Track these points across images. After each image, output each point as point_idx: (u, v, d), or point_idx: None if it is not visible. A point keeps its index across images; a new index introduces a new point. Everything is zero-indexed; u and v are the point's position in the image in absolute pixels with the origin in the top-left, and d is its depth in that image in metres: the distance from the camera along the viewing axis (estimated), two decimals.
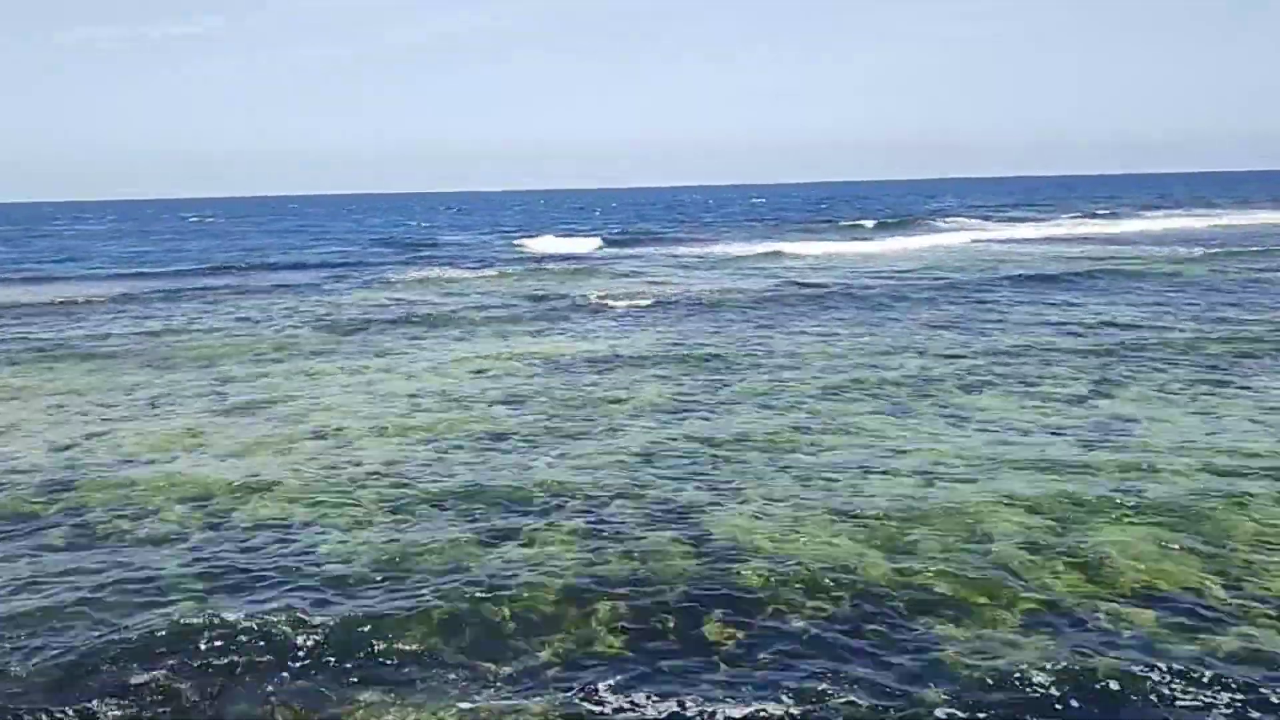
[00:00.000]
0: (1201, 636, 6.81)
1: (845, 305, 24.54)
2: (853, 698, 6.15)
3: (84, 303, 28.37)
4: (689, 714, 6.06)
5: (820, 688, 6.28)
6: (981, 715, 5.98)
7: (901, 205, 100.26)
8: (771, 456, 11.28)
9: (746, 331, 20.70)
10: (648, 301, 25.76)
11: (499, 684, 6.46)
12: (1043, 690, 6.20)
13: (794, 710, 6.05)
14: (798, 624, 7.18)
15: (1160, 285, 26.95)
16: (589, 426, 12.83)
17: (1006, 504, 9.46)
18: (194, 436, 12.78)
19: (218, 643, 7.03)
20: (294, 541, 9.05)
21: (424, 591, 7.86)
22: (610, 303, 25.68)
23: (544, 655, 6.82)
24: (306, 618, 7.40)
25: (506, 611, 7.46)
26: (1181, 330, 19.09)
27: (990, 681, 6.31)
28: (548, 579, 8.00)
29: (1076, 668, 6.42)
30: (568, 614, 7.41)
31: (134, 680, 6.55)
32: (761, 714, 6.02)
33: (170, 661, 6.78)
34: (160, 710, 6.27)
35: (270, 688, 6.46)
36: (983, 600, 7.45)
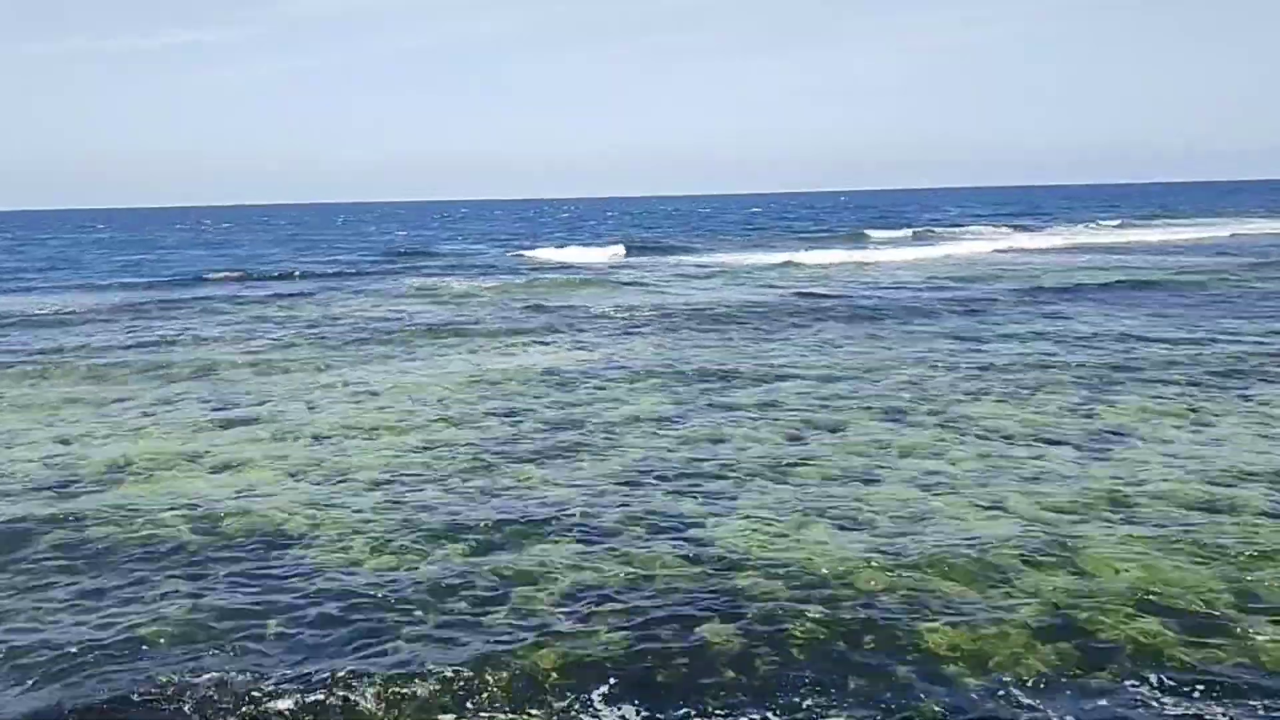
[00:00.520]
0: (1200, 645, 6.82)
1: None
2: (851, 707, 6.15)
3: (78, 312, 28.27)
4: None
5: (819, 697, 6.27)
6: None
7: (905, 214, 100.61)
8: (770, 465, 11.27)
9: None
10: (654, 312, 25.67)
11: (495, 694, 6.45)
12: (1041, 699, 6.21)
13: (789, 716, 6.05)
14: (796, 632, 7.17)
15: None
16: (587, 436, 12.82)
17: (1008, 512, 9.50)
18: (189, 447, 12.75)
19: (212, 652, 7.04)
20: (289, 551, 9.04)
21: (419, 600, 7.86)
22: (615, 313, 25.62)
23: (540, 664, 6.81)
24: (302, 624, 7.40)
25: (502, 621, 7.46)
26: None
27: (989, 690, 6.32)
28: (544, 588, 8.01)
29: (1074, 677, 6.43)
30: (564, 623, 7.40)
31: (126, 689, 6.55)
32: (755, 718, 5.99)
33: (164, 669, 6.78)
34: (154, 711, 6.28)
35: (264, 695, 6.46)
36: (981, 609, 7.46)
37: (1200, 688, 6.30)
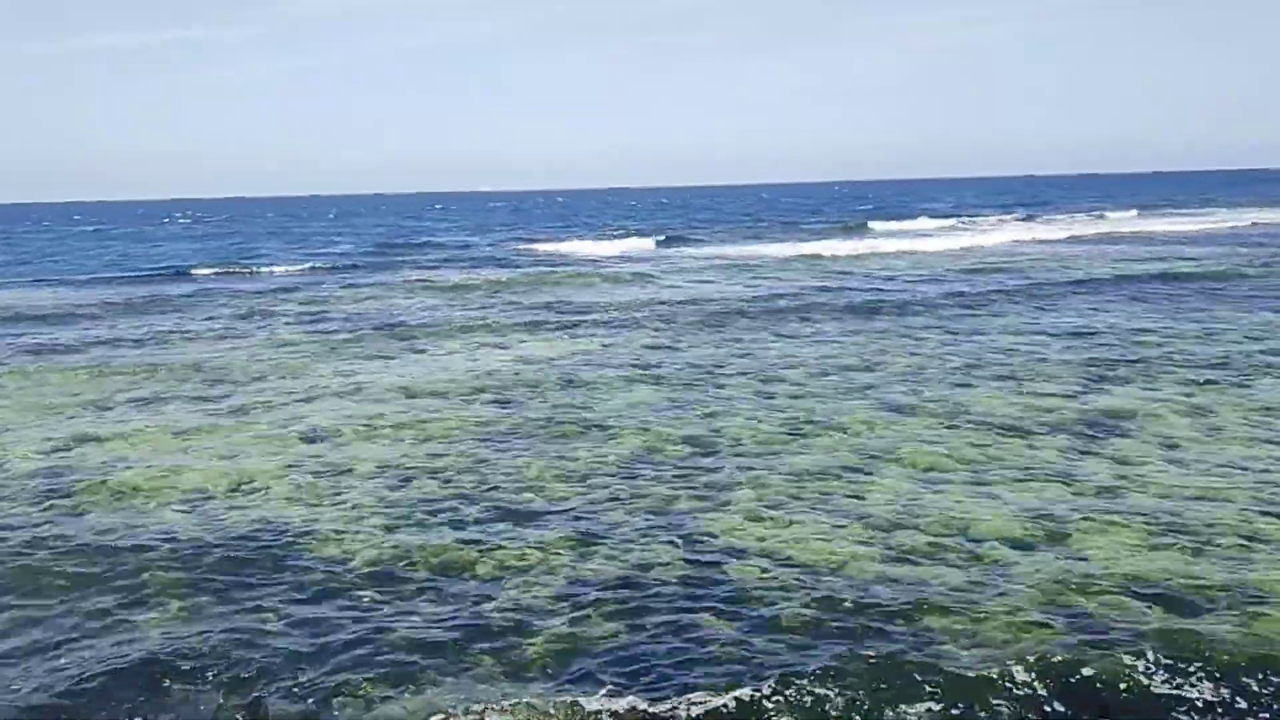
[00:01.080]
0: (1193, 633, 6.85)
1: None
2: (847, 697, 6.18)
3: (73, 307, 28.23)
4: (683, 714, 6.06)
5: (815, 688, 6.30)
6: (975, 712, 6.01)
7: (902, 204, 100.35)
8: (765, 458, 11.29)
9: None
10: (655, 305, 25.60)
11: (492, 682, 6.47)
12: (1036, 687, 6.23)
13: (788, 710, 6.07)
14: (793, 622, 7.19)
15: None
16: (585, 428, 12.81)
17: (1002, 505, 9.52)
18: (187, 439, 12.74)
19: (210, 644, 7.03)
20: (287, 543, 9.04)
21: (416, 591, 7.89)
22: (614, 306, 25.55)
23: (537, 654, 6.83)
24: (299, 618, 7.42)
25: (499, 610, 7.48)
26: None
27: (984, 678, 6.35)
28: (541, 578, 8.03)
29: (1070, 665, 6.46)
30: (561, 612, 7.42)
31: (125, 682, 6.56)
32: (756, 714, 6.04)
33: (162, 663, 6.78)
34: (151, 710, 6.26)
35: (261, 687, 6.47)
36: (977, 597, 7.48)
37: (1194, 673, 6.33)
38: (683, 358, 17.73)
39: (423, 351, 19.45)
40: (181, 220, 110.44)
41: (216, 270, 40.25)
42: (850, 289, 28.10)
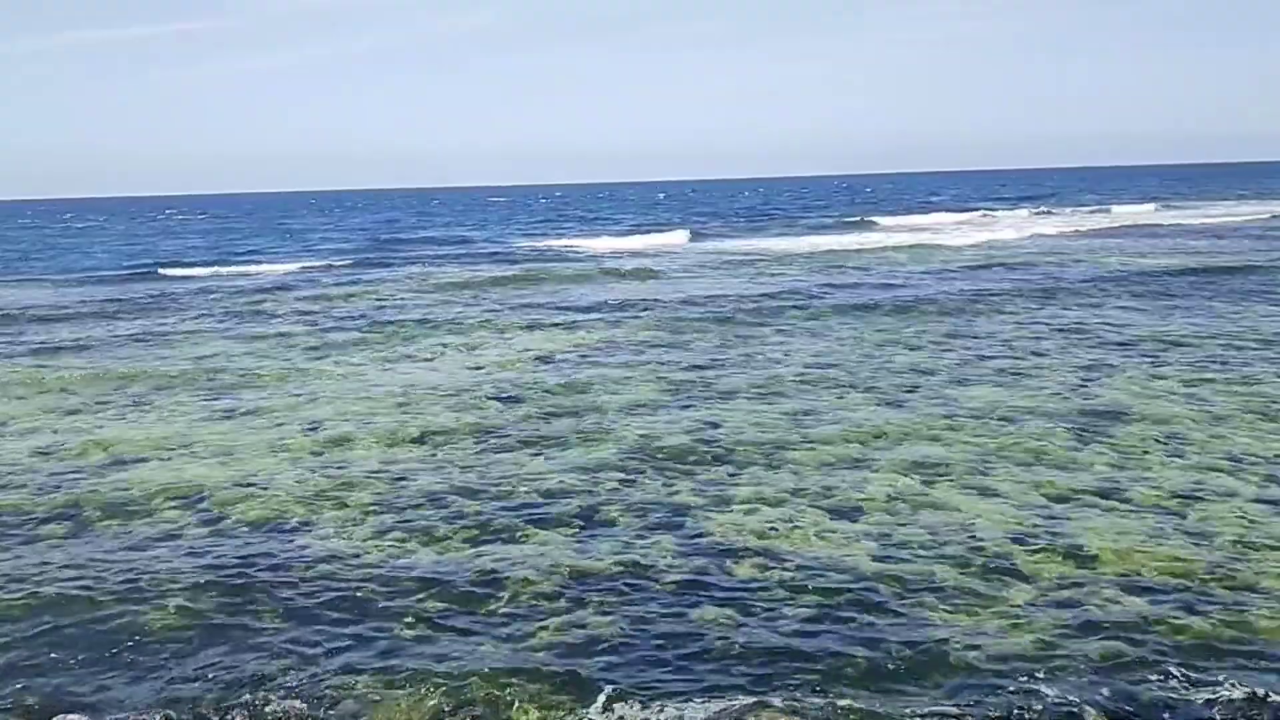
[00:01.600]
0: (1192, 625, 6.86)
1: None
2: (847, 690, 6.17)
3: (69, 303, 28.00)
4: (683, 708, 6.06)
5: (816, 681, 6.29)
6: (975, 705, 5.98)
7: (904, 199, 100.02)
8: (765, 452, 11.22)
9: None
10: (657, 301, 25.28)
11: (492, 676, 6.46)
12: (1036, 680, 6.22)
13: (789, 703, 6.05)
14: (791, 616, 7.20)
15: None
16: (585, 424, 12.77)
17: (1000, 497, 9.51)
18: (187, 437, 12.70)
19: (211, 641, 7.05)
20: (288, 540, 9.04)
21: (417, 586, 7.88)
22: (616, 302, 25.25)
23: (537, 648, 6.83)
24: (299, 617, 7.42)
25: (499, 609, 7.47)
26: None
27: (984, 671, 6.36)
28: (541, 574, 8.03)
29: (1070, 658, 6.46)
30: (562, 611, 7.42)
31: (126, 679, 6.56)
32: (756, 707, 6.01)
33: (163, 660, 6.79)
34: (153, 707, 6.24)
35: (262, 682, 6.48)
36: (977, 591, 7.49)
37: (1194, 670, 6.32)
38: (685, 355, 17.64)
39: (423, 349, 19.30)
40: (178, 217, 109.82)
41: (211, 267, 40.01)
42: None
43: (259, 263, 41.56)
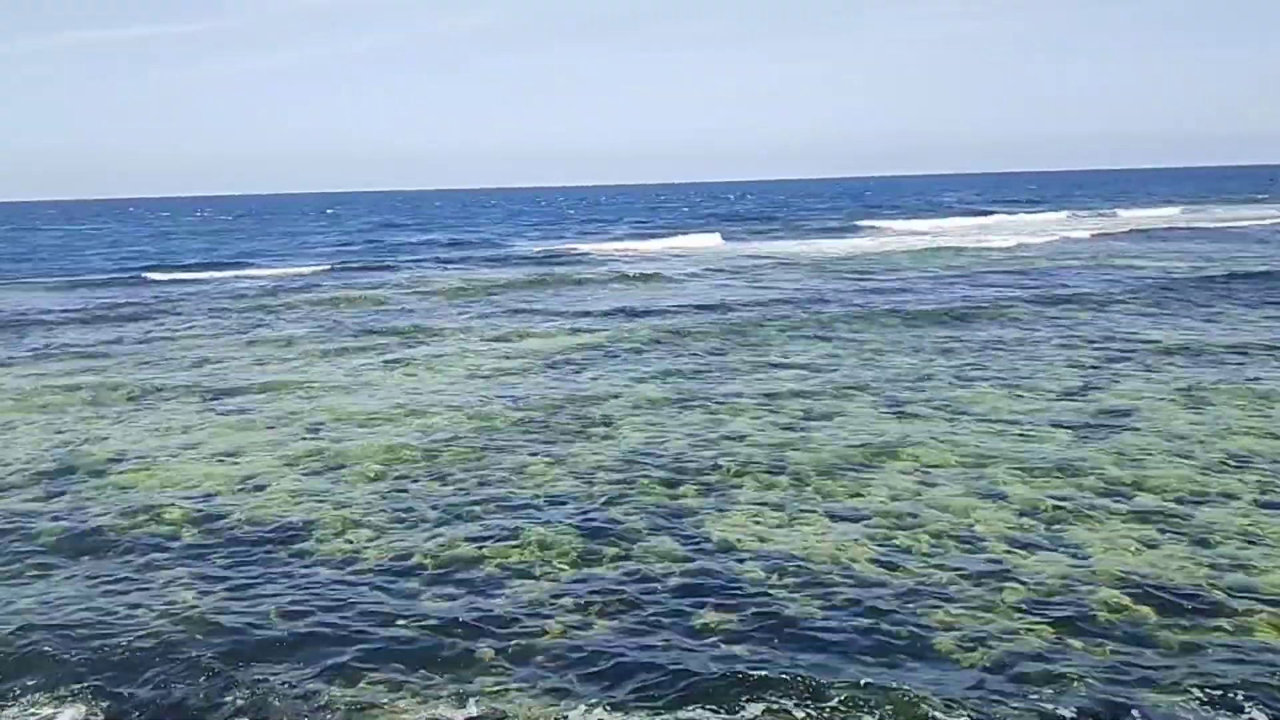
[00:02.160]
0: (1195, 630, 6.84)
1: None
2: (849, 691, 6.17)
3: (70, 305, 27.91)
4: (685, 710, 6.04)
5: (817, 683, 6.29)
6: (976, 707, 5.98)
7: (910, 200, 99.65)
8: (768, 453, 11.19)
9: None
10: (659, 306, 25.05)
11: (494, 679, 6.45)
12: (1036, 682, 6.22)
13: (790, 705, 6.05)
14: (794, 620, 7.19)
15: None
16: (587, 426, 12.74)
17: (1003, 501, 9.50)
18: (189, 432, 12.73)
19: (214, 641, 7.05)
20: (290, 540, 9.03)
21: (420, 587, 7.89)
22: (619, 305, 25.12)
23: (539, 651, 6.81)
24: (302, 615, 7.42)
25: (500, 610, 7.46)
26: None
27: (985, 674, 6.36)
28: (543, 577, 8.03)
29: (1070, 659, 6.47)
30: (563, 611, 7.41)
31: (128, 678, 6.55)
32: (758, 709, 6.02)
33: (165, 660, 6.78)
34: (154, 708, 6.26)
35: (265, 684, 6.47)
36: (978, 594, 7.48)
37: (1196, 670, 6.33)
38: (688, 357, 17.58)
39: (426, 350, 19.26)
40: (185, 217, 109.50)
41: (209, 271, 39.88)
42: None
43: (259, 266, 41.49)
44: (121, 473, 11.22)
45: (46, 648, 7.02)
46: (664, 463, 11.04)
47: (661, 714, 6.03)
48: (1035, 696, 6.09)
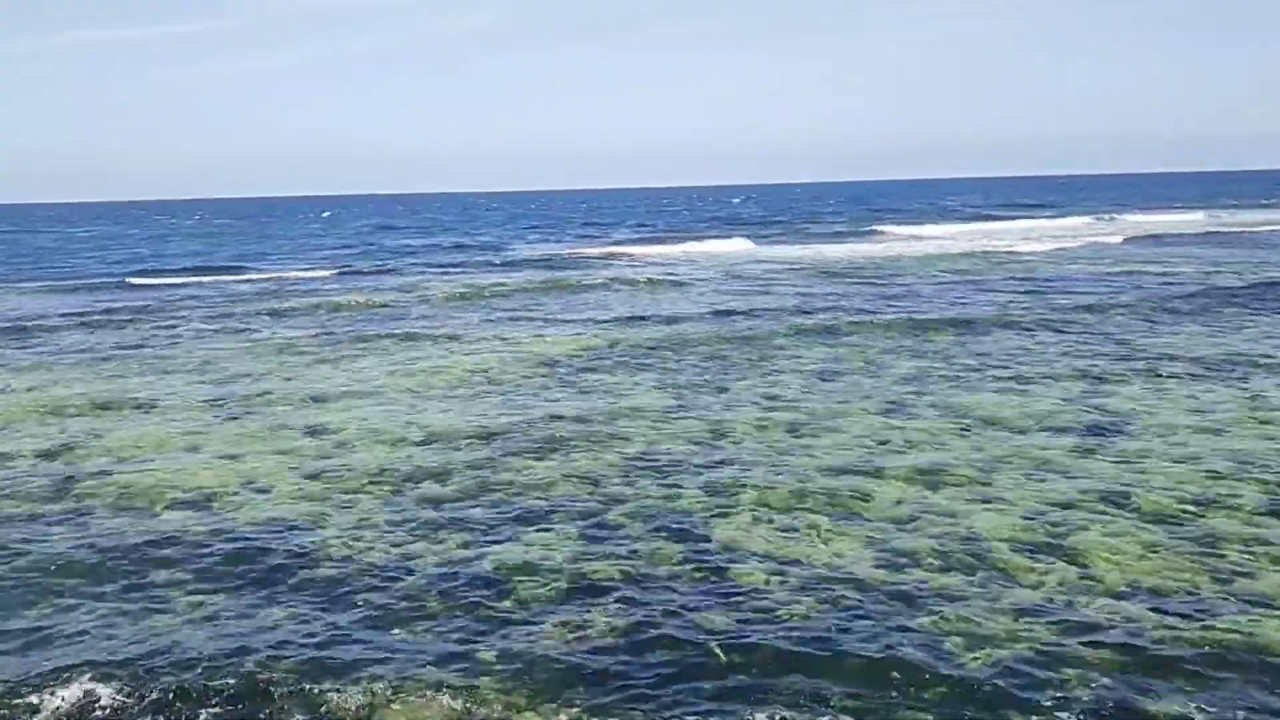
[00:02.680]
0: (1196, 637, 6.81)
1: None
2: (850, 695, 6.14)
3: (72, 308, 27.76)
4: (686, 714, 6.04)
5: (818, 687, 6.27)
6: (978, 714, 5.96)
7: (914, 204, 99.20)
8: (769, 458, 11.16)
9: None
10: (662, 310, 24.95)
11: (494, 684, 6.42)
12: (1037, 687, 6.21)
13: (792, 713, 6.02)
14: (795, 623, 7.17)
15: None
16: (589, 429, 12.70)
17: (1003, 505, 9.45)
18: (191, 440, 12.68)
19: (216, 641, 7.05)
20: (292, 543, 9.02)
21: (421, 592, 7.86)
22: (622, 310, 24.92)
23: (541, 655, 6.80)
24: (303, 616, 7.42)
25: (504, 612, 7.45)
26: None
27: (986, 679, 6.34)
28: (545, 579, 8.01)
29: (1070, 665, 6.44)
30: (565, 614, 7.40)
31: (130, 678, 6.55)
32: (760, 715, 5.99)
33: (168, 660, 6.79)
34: (156, 706, 6.26)
35: (268, 684, 6.46)
36: (979, 599, 7.46)
37: (1196, 675, 6.29)
38: (690, 362, 17.53)
39: (428, 353, 19.19)
40: (187, 220, 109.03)
41: (216, 272, 39.83)
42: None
43: (259, 270, 41.32)
44: (122, 475, 11.16)
45: (47, 646, 7.03)
46: (666, 467, 11.01)
47: (660, 716, 6.02)
48: (1038, 704, 6.07)
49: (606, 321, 22.80)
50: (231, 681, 6.51)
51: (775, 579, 7.93)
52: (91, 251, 56.91)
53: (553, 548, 8.72)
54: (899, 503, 9.62)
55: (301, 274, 38.26)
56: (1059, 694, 6.15)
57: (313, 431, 12.94)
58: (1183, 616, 7.12)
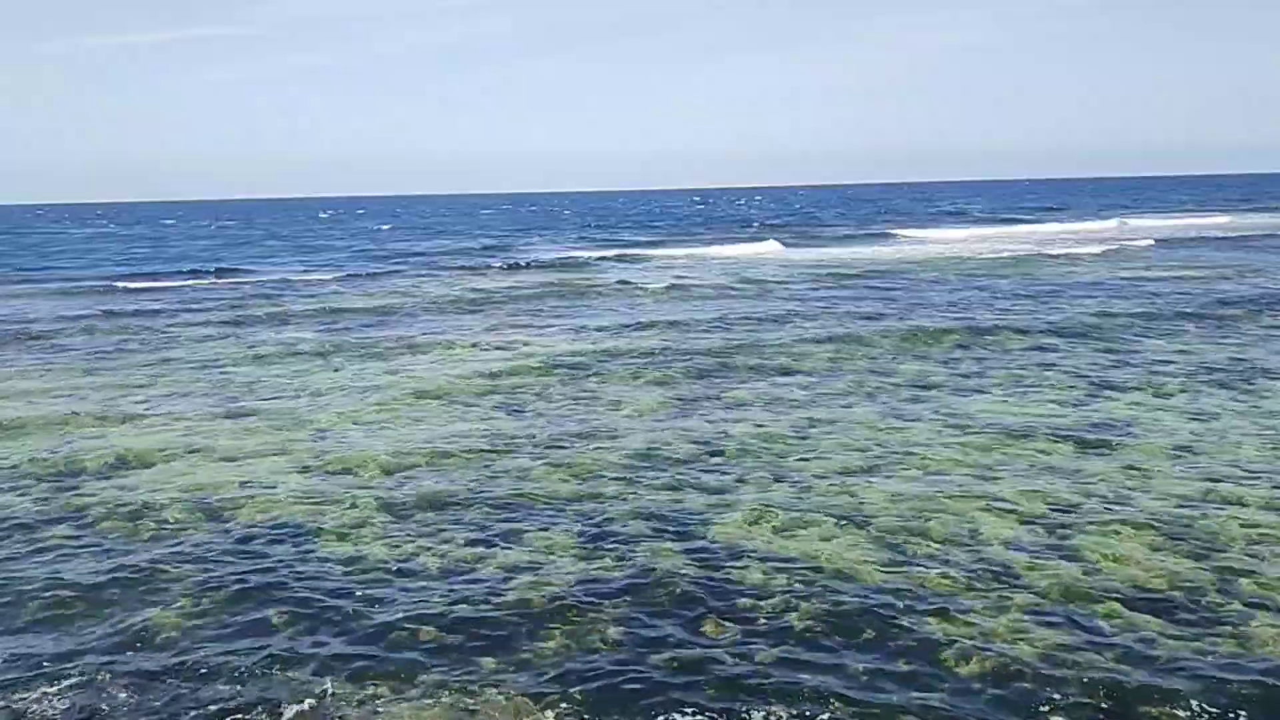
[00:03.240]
0: (1196, 639, 6.80)
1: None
2: (851, 698, 6.14)
3: (75, 308, 27.80)
4: (685, 713, 6.03)
5: (820, 688, 6.26)
6: (978, 714, 5.95)
7: (919, 207, 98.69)
8: (769, 459, 11.16)
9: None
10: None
11: (497, 685, 6.42)
12: (1037, 689, 6.18)
13: (793, 714, 6.01)
14: (796, 625, 7.15)
15: None
16: (591, 428, 12.71)
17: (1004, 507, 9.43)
18: (194, 439, 12.69)
19: (218, 644, 7.05)
20: (293, 541, 9.02)
21: (422, 594, 7.85)
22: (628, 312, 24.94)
23: (542, 656, 6.80)
24: (304, 616, 7.41)
25: (505, 614, 7.43)
26: None
27: (987, 681, 6.32)
28: (546, 581, 7.99)
29: (1071, 667, 6.43)
30: (566, 616, 7.38)
31: (131, 676, 6.56)
32: (759, 715, 6.00)
33: (169, 662, 6.78)
34: (156, 704, 6.25)
35: (268, 688, 6.44)
36: (979, 601, 7.44)
37: (1199, 677, 6.27)
38: (691, 362, 17.45)
39: (430, 355, 19.17)
40: (193, 222, 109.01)
41: (224, 273, 39.82)
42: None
43: (264, 271, 41.24)
44: (123, 476, 11.21)
45: (47, 649, 7.02)
46: (668, 466, 11.00)
47: (661, 717, 6.01)
48: (1037, 704, 6.05)
49: (608, 325, 22.67)
50: (232, 682, 6.50)
51: (776, 579, 7.92)
52: (90, 253, 56.73)
53: (553, 548, 8.71)
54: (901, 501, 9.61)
55: (310, 276, 38.07)
56: (1060, 695, 6.13)
57: (314, 434, 12.91)
58: (1184, 617, 7.09)
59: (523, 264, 41.09)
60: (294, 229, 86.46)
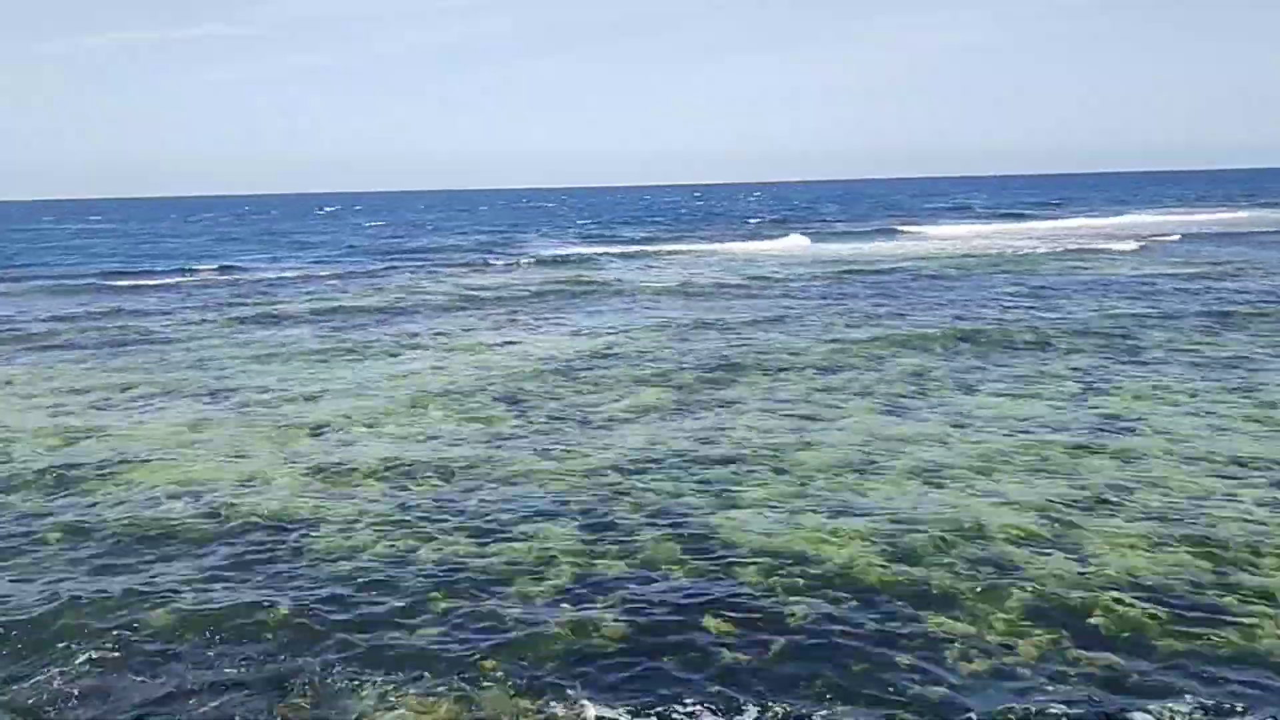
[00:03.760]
0: (1197, 635, 6.78)
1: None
2: (852, 696, 6.13)
3: (75, 305, 27.75)
4: (685, 710, 6.02)
5: (819, 684, 6.25)
6: (979, 710, 5.92)
7: (911, 204, 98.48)
8: (769, 457, 11.10)
9: None
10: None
11: (496, 681, 6.39)
12: (1039, 686, 6.17)
13: (793, 710, 6.00)
14: (796, 620, 7.14)
15: None
16: (591, 427, 12.66)
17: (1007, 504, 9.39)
18: (193, 433, 12.66)
19: (218, 637, 7.05)
20: (292, 539, 8.98)
21: (422, 589, 7.82)
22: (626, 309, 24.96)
23: (542, 652, 6.78)
24: (305, 613, 7.38)
25: (504, 609, 7.41)
26: None
27: (988, 678, 6.31)
28: (546, 576, 7.98)
29: (1070, 662, 6.42)
30: (566, 612, 7.37)
31: (131, 674, 6.55)
32: (760, 714, 5.98)
33: (169, 655, 6.78)
34: (157, 703, 6.23)
35: (267, 681, 6.43)
36: (979, 596, 7.41)
37: (1200, 674, 6.26)
38: (691, 357, 17.40)
39: (430, 352, 19.10)
40: (190, 217, 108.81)
41: (224, 269, 39.65)
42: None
43: (263, 267, 41.15)
44: (122, 472, 11.15)
45: (47, 642, 7.02)
46: (669, 463, 10.95)
47: (661, 714, 6.01)
48: (1038, 700, 6.04)
49: (629, 324, 22.60)
50: (231, 682, 6.48)
51: (775, 575, 7.90)
52: (98, 248, 56.78)
53: (554, 544, 8.69)
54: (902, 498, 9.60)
55: (310, 272, 37.98)
56: (1060, 692, 6.13)
57: (311, 429, 12.85)
58: (1185, 614, 7.08)
59: (522, 261, 40.97)
60: (292, 224, 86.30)
